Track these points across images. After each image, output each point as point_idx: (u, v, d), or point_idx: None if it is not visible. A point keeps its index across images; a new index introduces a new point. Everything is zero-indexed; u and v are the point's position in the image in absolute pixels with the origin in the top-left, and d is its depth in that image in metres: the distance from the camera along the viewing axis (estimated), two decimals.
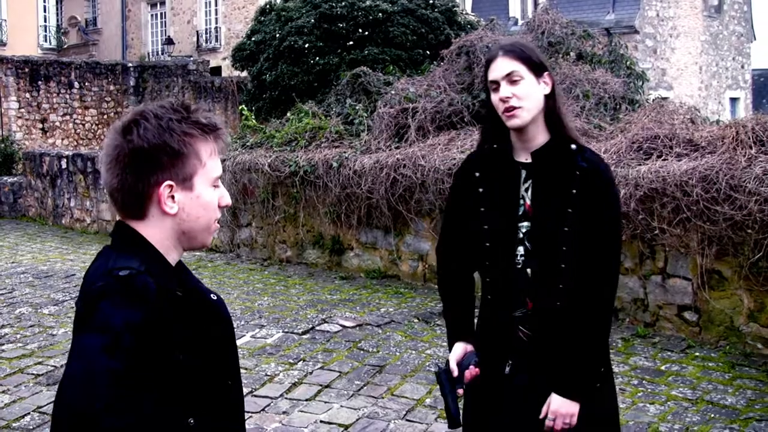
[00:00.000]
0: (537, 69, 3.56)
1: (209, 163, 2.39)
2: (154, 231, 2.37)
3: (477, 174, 3.77)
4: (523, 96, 3.51)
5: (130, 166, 2.29)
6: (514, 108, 3.52)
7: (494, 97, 3.59)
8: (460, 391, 3.69)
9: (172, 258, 2.42)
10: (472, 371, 3.67)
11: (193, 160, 2.35)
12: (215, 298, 2.49)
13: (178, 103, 2.38)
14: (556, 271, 3.54)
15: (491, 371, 3.69)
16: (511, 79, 3.53)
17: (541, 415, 3.57)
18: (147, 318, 2.17)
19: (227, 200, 2.48)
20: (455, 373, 3.67)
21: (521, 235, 3.61)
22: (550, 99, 3.58)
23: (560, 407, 3.52)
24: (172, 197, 2.34)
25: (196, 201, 2.39)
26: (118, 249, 2.36)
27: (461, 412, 3.73)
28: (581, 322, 3.50)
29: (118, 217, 2.43)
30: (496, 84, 3.58)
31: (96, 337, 2.15)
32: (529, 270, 3.60)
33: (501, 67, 3.56)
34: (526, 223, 3.60)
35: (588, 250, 3.50)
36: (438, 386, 3.77)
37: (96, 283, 2.25)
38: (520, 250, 3.61)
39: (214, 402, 2.40)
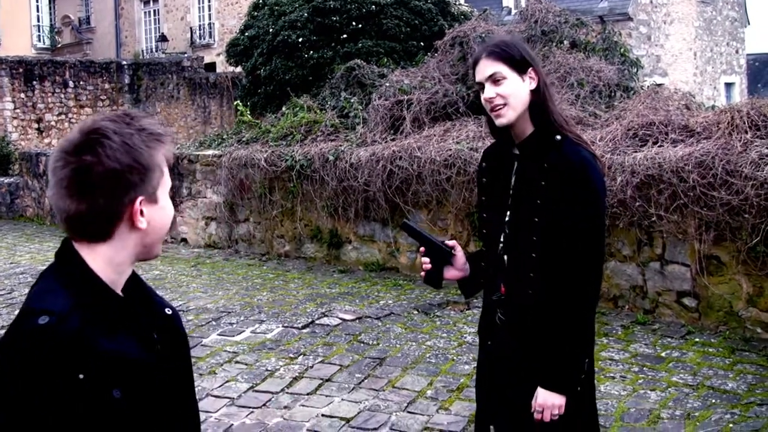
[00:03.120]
0: (520, 66, 3.61)
1: (166, 172, 2.36)
2: (115, 251, 2.30)
3: (484, 164, 3.94)
4: (507, 94, 3.59)
5: (101, 189, 2.21)
6: (500, 107, 3.60)
7: (482, 98, 3.69)
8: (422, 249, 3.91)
9: (124, 277, 2.37)
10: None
11: (157, 173, 2.31)
12: (170, 312, 2.47)
13: (123, 114, 2.33)
14: (527, 260, 3.62)
15: (480, 348, 3.98)
16: (494, 79, 3.61)
17: (533, 409, 3.64)
18: (59, 372, 2.09)
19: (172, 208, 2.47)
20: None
21: (504, 223, 3.73)
22: (536, 93, 3.62)
23: (546, 400, 3.59)
24: (141, 212, 2.28)
25: (161, 212, 2.36)
26: (56, 274, 2.29)
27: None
28: (557, 315, 3.55)
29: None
30: (482, 85, 3.66)
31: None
32: (506, 257, 3.73)
33: (484, 68, 3.64)
34: (508, 212, 3.72)
35: (559, 243, 3.54)
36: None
37: (16, 324, 2.18)
38: (502, 237, 3.74)
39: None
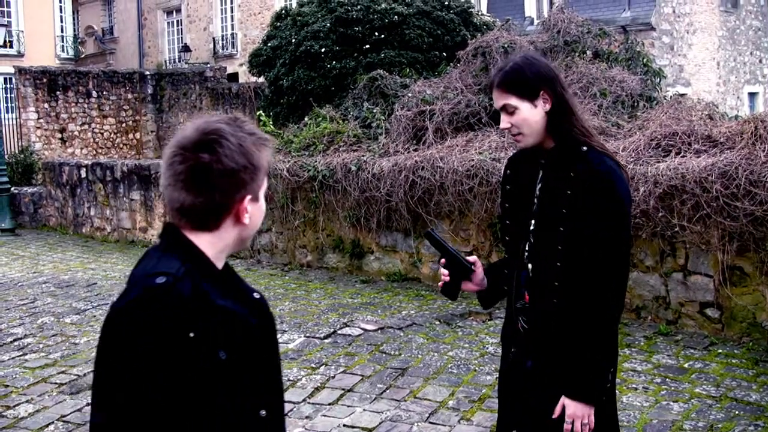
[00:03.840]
0: (531, 93, 3.64)
1: (266, 173, 2.59)
2: (218, 240, 2.50)
3: (508, 172, 3.99)
4: (520, 124, 3.66)
5: (219, 186, 2.41)
6: (516, 135, 3.70)
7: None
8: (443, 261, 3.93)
9: (220, 265, 2.52)
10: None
11: (263, 174, 2.54)
12: (258, 296, 2.58)
13: (234, 119, 2.51)
14: (552, 269, 3.64)
15: (504, 355, 3.99)
16: (506, 111, 3.67)
17: (554, 415, 3.65)
18: (174, 331, 2.24)
19: None
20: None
21: (529, 232, 3.75)
22: (552, 114, 3.65)
23: (576, 411, 3.60)
24: (246, 209, 2.49)
25: (259, 210, 2.57)
26: (164, 249, 2.46)
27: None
28: (581, 324, 3.56)
29: (167, 219, 2.55)
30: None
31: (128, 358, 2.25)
32: (530, 265, 3.75)
33: (497, 99, 3.72)
34: (533, 221, 3.74)
35: (584, 253, 3.55)
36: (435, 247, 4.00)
37: (133, 289, 2.34)
38: (527, 246, 3.76)
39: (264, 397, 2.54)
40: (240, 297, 2.50)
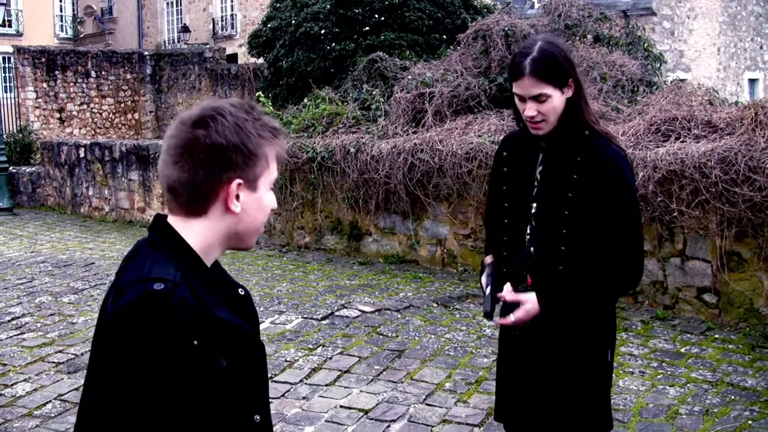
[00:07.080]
0: (563, 82, 3.61)
1: (272, 165, 2.43)
2: (207, 229, 2.37)
3: (505, 153, 3.96)
4: (548, 113, 3.60)
5: (205, 161, 2.29)
6: (539, 122, 3.63)
7: (519, 105, 3.69)
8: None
9: (211, 258, 2.41)
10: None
11: (262, 162, 2.37)
12: (243, 293, 2.49)
13: (246, 104, 2.40)
14: (555, 253, 3.66)
15: (505, 333, 4.01)
16: (538, 99, 3.58)
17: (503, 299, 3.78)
18: (176, 338, 2.16)
19: (275, 204, 2.50)
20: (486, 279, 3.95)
21: (530, 215, 3.74)
22: (571, 99, 3.64)
23: (528, 301, 3.68)
24: (237, 196, 2.34)
25: (258, 203, 2.40)
26: (157, 248, 2.34)
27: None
28: (611, 263, 3.60)
29: (165, 210, 2.42)
30: (522, 97, 3.64)
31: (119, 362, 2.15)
32: (532, 249, 3.75)
33: (528, 87, 3.59)
34: (535, 204, 3.73)
35: (601, 235, 3.57)
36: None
37: (128, 292, 2.20)
38: (528, 229, 3.75)
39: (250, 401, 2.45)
40: (230, 298, 2.42)
